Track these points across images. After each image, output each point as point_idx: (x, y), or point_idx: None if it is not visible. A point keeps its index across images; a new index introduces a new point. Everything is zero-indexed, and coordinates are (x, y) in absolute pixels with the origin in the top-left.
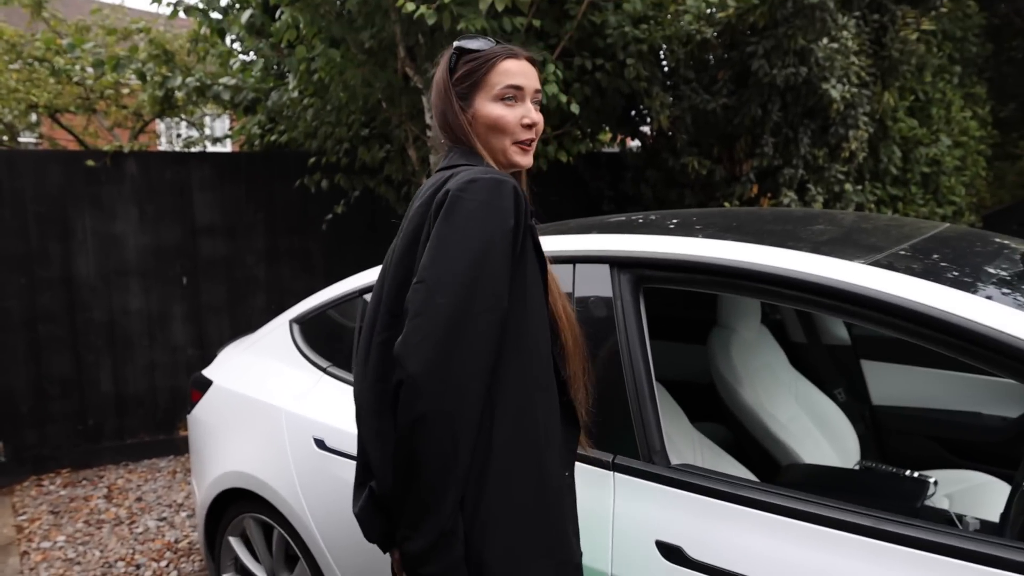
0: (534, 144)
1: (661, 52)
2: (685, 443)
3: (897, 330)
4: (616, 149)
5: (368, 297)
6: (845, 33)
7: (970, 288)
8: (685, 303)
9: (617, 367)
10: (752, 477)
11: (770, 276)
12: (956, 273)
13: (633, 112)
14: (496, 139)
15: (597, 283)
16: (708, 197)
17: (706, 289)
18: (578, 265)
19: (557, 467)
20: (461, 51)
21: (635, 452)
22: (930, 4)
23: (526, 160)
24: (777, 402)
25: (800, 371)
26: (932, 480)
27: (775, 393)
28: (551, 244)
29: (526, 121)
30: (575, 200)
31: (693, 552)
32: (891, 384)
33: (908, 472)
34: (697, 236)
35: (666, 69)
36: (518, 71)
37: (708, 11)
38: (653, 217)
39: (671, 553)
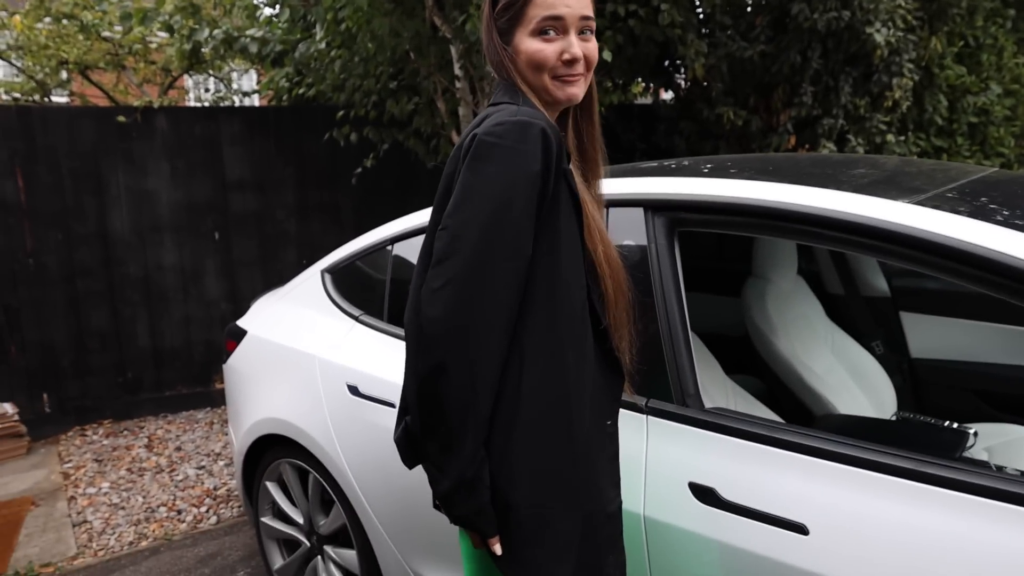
0: (583, 77)
1: None
2: (719, 392)
3: (942, 271)
4: (649, 100)
5: (398, 246)
6: None
7: (1020, 228)
8: (721, 254)
9: (652, 312)
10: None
11: (809, 216)
12: (1006, 213)
13: (667, 62)
14: (536, 75)
15: (631, 227)
16: (743, 148)
17: (743, 231)
18: (611, 209)
19: (587, 417)
20: None
21: (669, 396)
22: None
23: (570, 92)
24: (813, 353)
25: (837, 323)
26: (972, 431)
27: (811, 344)
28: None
29: (566, 56)
30: (607, 152)
31: (726, 493)
32: (931, 336)
33: (947, 423)
34: (733, 179)
35: (701, 15)
36: (559, 1)
37: None
38: (686, 163)
39: (704, 494)
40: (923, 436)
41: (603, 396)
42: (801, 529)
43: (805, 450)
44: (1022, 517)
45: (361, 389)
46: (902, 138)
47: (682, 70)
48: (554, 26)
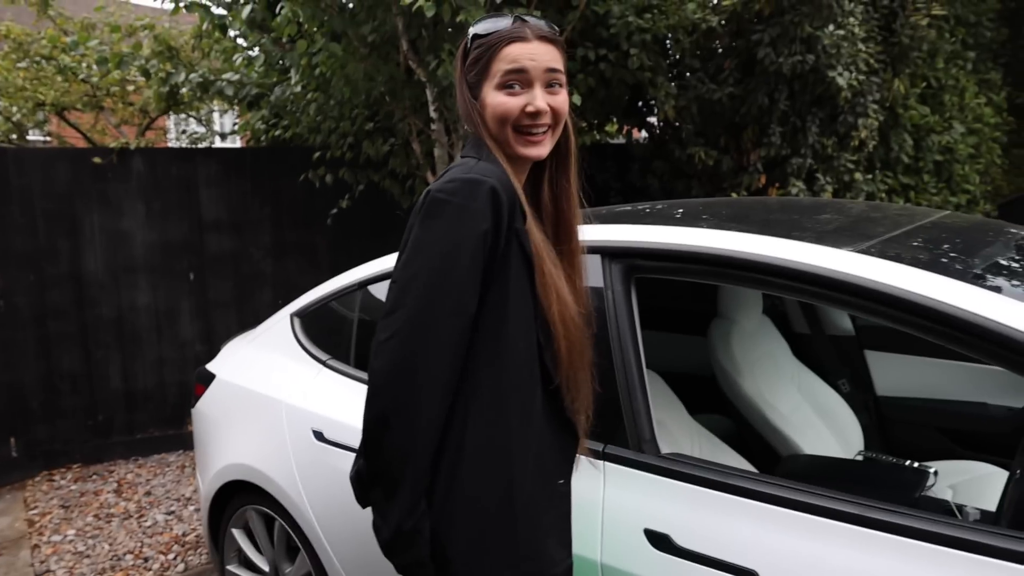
0: (549, 131)
1: (667, 42)
2: (683, 434)
3: (871, 314)
4: (623, 141)
5: (366, 291)
6: (852, 19)
7: (951, 273)
8: (690, 296)
9: (608, 358)
10: (749, 467)
11: (753, 264)
12: (945, 260)
13: (640, 103)
14: (500, 129)
15: (588, 274)
16: (715, 188)
17: (695, 278)
18: None
19: (530, 477)
20: (473, 36)
21: (625, 441)
22: None
23: (533, 151)
24: (779, 393)
25: (803, 362)
26: (932, 470)
27: (777, 383)
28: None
29: (529, 109)
30: (586, 196)
31: (681, 540)
32: (896, 375)
33: (908, 462)
34: (695, 226)
35: (671, 59)
36: (523, 55)
37: (711, 1)
38: (660, 206)
39: (659, 541)
40: (885, 476)
41: (554, 455)
42: (752, 574)
43: (756, 496)
44: (973, 563)
45: (326, 435)
46: (869, 176)
47: (654, 111)
48: (518, 80)
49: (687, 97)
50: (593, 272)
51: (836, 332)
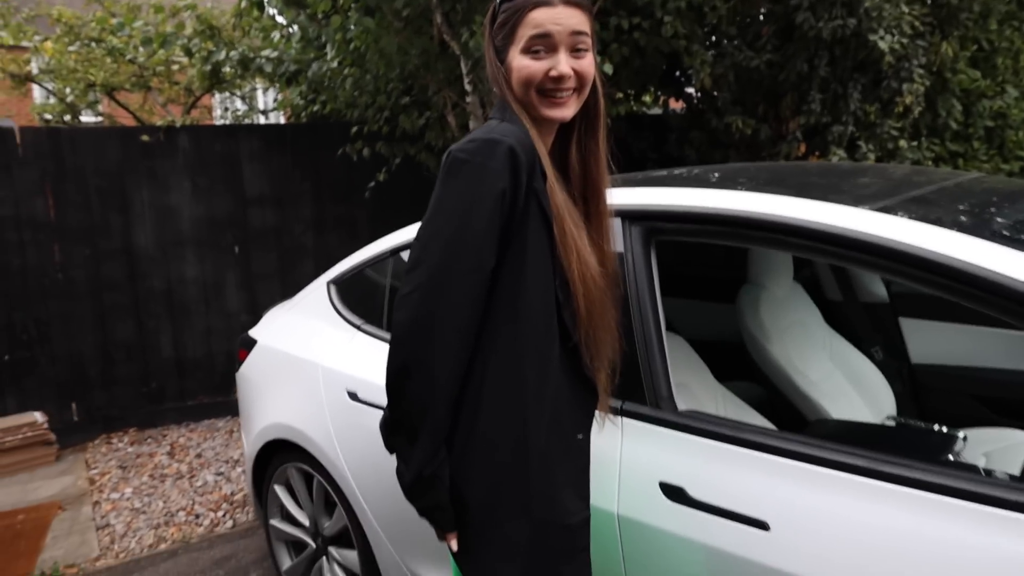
0: (574, 95)
1: (702, 8)
2: (707, 397)
3: (890, 272)
4: (659, 111)
5: (398, 257)
6: None
7: (975, 232)
8: (723, 263)
9: (627, 318)
10: (770, 426)
11: (768, 223)
12: (964, 219)
13: (677, 72)
14: (525, 92)
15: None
16: (754, 157)
17: (712, 239)
18: None
19: (545, 431)
20: (501, 1)
21: (643, 399)
22: None
23: (557, 113)
24: (809, 359)
25: (836, 329)
26: (962, 435)
27: (807, 350)
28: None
29: (553, 74)
30: (617, 163)
31: (694, 492)
32: (931, 342)
33: (938, 427)
34: (714, 188)
35: (708, 26)
36: (548, 19)
37: None
38: (696, 171)
39: (674, 493)
40: (912, 439)
41: (572, 411)
42: (763, 525)
43: (769, 449)
44: (974, 514)
45: (360, 395)
46: (915, 143)
47: (691, 80)
48: (543, 44)
49: (724, 65)
50: (614, 234)
51: (870, 299)
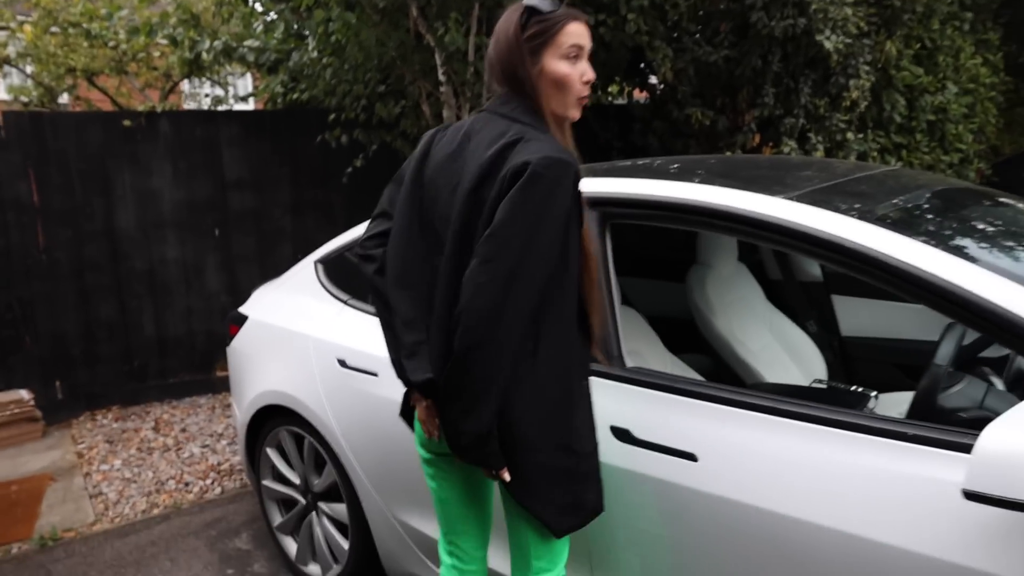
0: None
1: (664, 6)
2: (657, 363)
3: (795, 250)
4: (624, 101)
5: None
6: None
7: (865, 217)
8: (682, 246)
9: None
10: None
11: (702, 209)
12: (859, 205)
13: (642, 64)
14: (558, 93)
15: None
16: (712, 146)
17: (657, 223)
18: None
19: (578, 376)
20: (532, 10)
21: (597, 358)
22: None
23: (578, 114)
24: (750, 332)
25: (776, 305)
26: (873, 394)
27: (749, 324)
28: None
29: (585, 78)
30: (585, 151)
31: (638, 433)
32: (858, 316)
33: (853, 388)
34: (661, 179)
35: (670, 23)
36: (581, 32)
37: None
38: (658, 162)
39: (622, 435)
40: (830, 397)
41: (585, 360)
42: (692, 457)
43: (697, 395)
44: (846, 438)
45: (349, 362)
46: (861, 136)
47: (655, 72)
48: (578, 53)
49: (684, 59)
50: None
51: (806, 279)
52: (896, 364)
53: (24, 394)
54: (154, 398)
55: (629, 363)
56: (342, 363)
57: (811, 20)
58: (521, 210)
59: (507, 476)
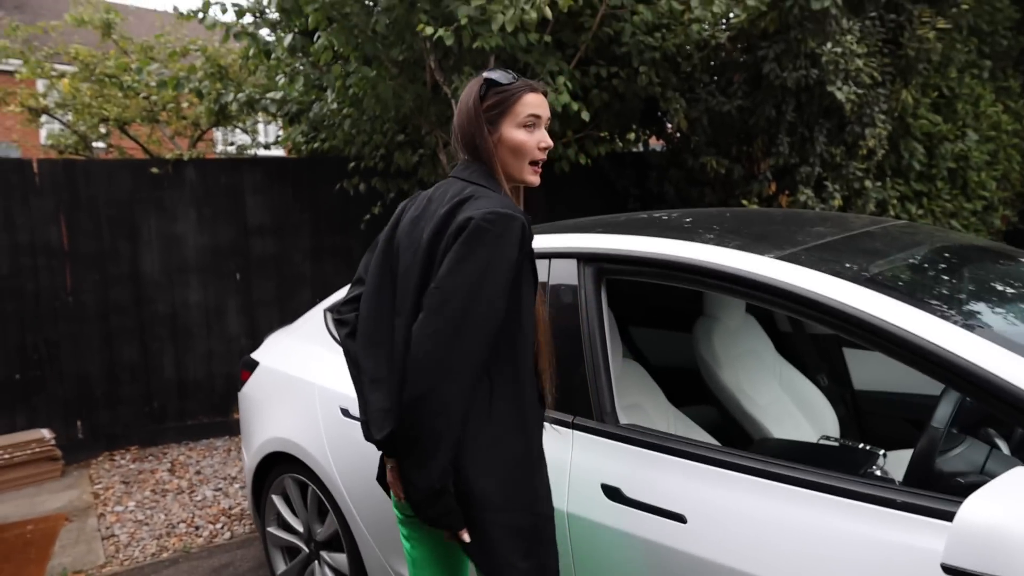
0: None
1: (677, 59)
2: (659, 417)
3: (781, 308)
4: (641, 149)
5: None
6: (849, 37)
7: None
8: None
9: (579, 345)
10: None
11: (687, 265)
12: (854, 262)
13: (659, 112)
14: (515, 160)
15: (567, 274)
16: (728, 195)
17: (647, 279)
18: (553, 260)
19: (536, 436)
20: (490, 83)
21: (590, 414)
22: (948, 2)
23: (535, 180)
24: (758, 385)
25: (786, 358)
26: (881, 452)
27: (757, 377)
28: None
29: (542, 145)
30: (603, 199)
31: (629, 492)
32: (872, 370)
33: (862, 445)
34: (657, 236)
35: (683, 73)
36: (537, 103)
37: (722, 19)
38: (665, 217)
39: (613, 493)
40: (837, 455)
41: (539, 419)
42: (681, 519)
43: (687, 456)
44: (843, 505)
45: (351, 412)
46: (879, 184)
47: (669, 121)
48: (535, 122)
49: (698, 109)
50: (569, 273)
51: (817, 331)
52: (909, 420)
53: (46, 433)
54: (172, 439)
55: (624, 419)
56: (345, 412)
57: (823, 71)
58: (464, 263)
59: (466, 537)
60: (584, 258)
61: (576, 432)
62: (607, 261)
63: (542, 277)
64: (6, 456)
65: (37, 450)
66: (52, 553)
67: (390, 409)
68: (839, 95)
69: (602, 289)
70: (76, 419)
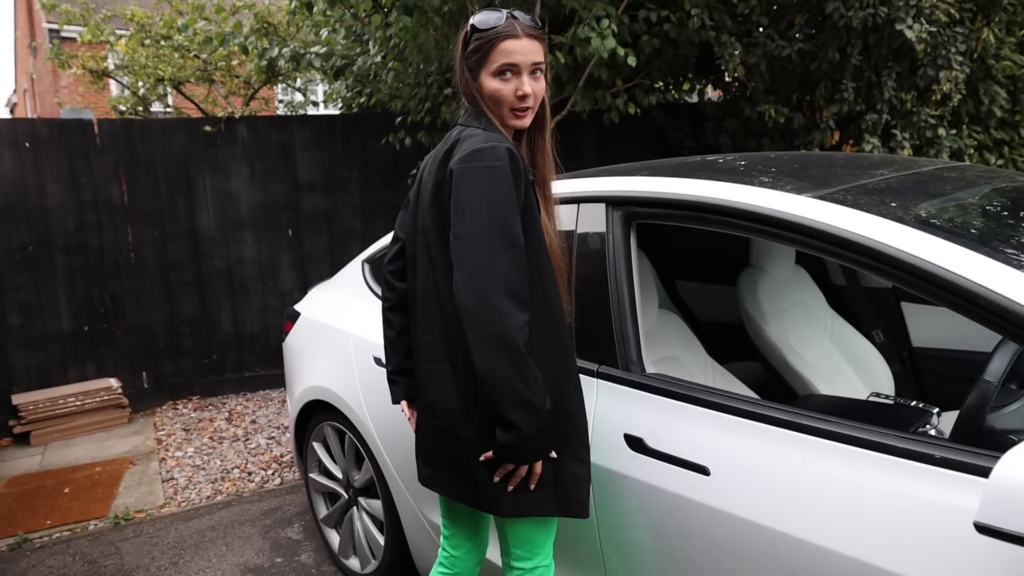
0: (531, 109)
1: None
2: (697, 370)
3: (819, 251)
4: (696, 100)
5: None
6: None
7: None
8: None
9: (605, 291)
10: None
11: (728, 208)
12: (894, 204)
13: (715, 60)
14: (495, 107)
15: (596, 219)
16: (787, 145)
17: (678, 223)
18: (581, 204)
19: (575, 375)
20: (473, 29)
21: (615, 363)
22: None
23: (521, 123)
24: (807, 340)
25: (839, 312)
26: (935, 411)
27: (806, 331)
28: (561, 187)
29: (519, 93)
30: (656, 152)
31: (652, 442)
32: (931, 326)
33: (914, 403)
34: (690, 178)
35: (740, 16)
36: (515, 49)
37: None
38: (721, 160)
39: (635, 443)
40: (886, 412)
41: (573, 353)
42: (704, 470)
43: (711, 406)
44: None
45: (384, 360)
46: (954, 132)
47: (725, 68)
48: (510, 69)
49: (756, 54)
50: (597, 218)
51: (873, 284)
52: (970, 378)
53: (113, 382)
54: (231, 390)
55: (652, 369)
56: (378, 361)
57: (893, 8)
58: (467, 206)
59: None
60: (613, 202)
61: (600, 381)
62: (636, 204)
63: (570, 223)
64: (77, 403)
65: (106, 398)
66: (116, 493)
67: (464, 409)
68: (910, 34)
69: (631, 234)
70: (141, 370)
